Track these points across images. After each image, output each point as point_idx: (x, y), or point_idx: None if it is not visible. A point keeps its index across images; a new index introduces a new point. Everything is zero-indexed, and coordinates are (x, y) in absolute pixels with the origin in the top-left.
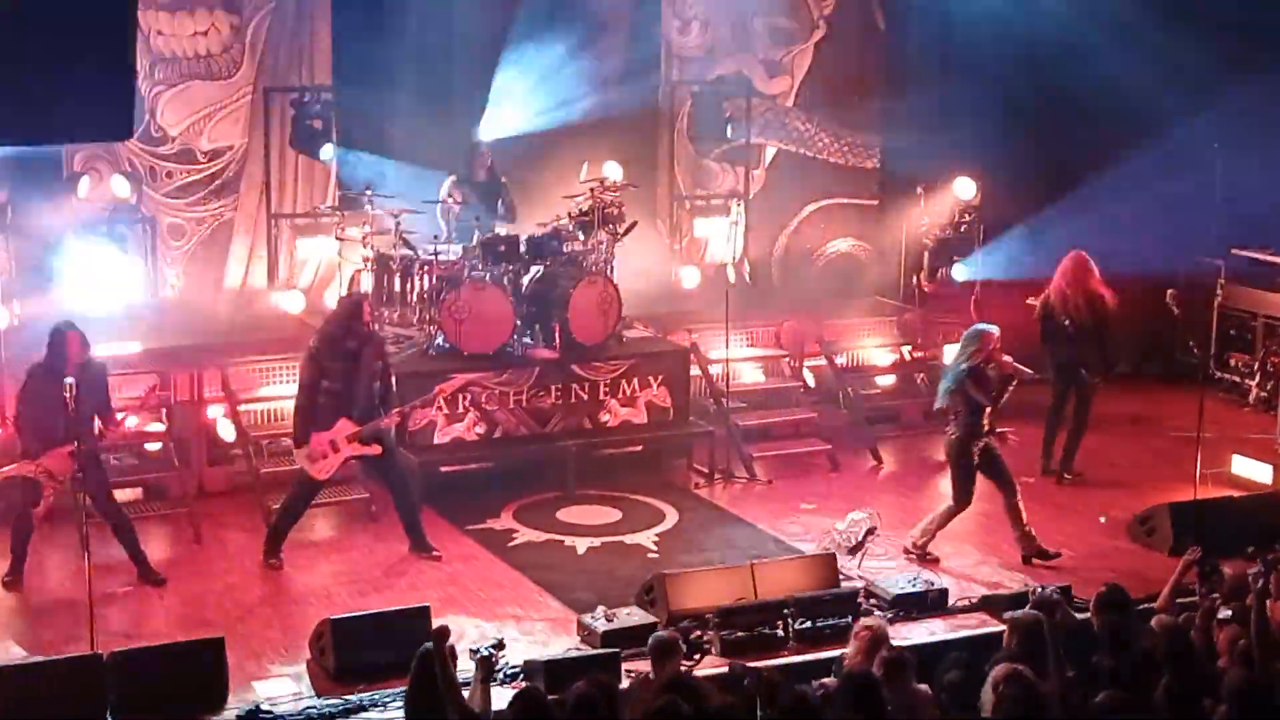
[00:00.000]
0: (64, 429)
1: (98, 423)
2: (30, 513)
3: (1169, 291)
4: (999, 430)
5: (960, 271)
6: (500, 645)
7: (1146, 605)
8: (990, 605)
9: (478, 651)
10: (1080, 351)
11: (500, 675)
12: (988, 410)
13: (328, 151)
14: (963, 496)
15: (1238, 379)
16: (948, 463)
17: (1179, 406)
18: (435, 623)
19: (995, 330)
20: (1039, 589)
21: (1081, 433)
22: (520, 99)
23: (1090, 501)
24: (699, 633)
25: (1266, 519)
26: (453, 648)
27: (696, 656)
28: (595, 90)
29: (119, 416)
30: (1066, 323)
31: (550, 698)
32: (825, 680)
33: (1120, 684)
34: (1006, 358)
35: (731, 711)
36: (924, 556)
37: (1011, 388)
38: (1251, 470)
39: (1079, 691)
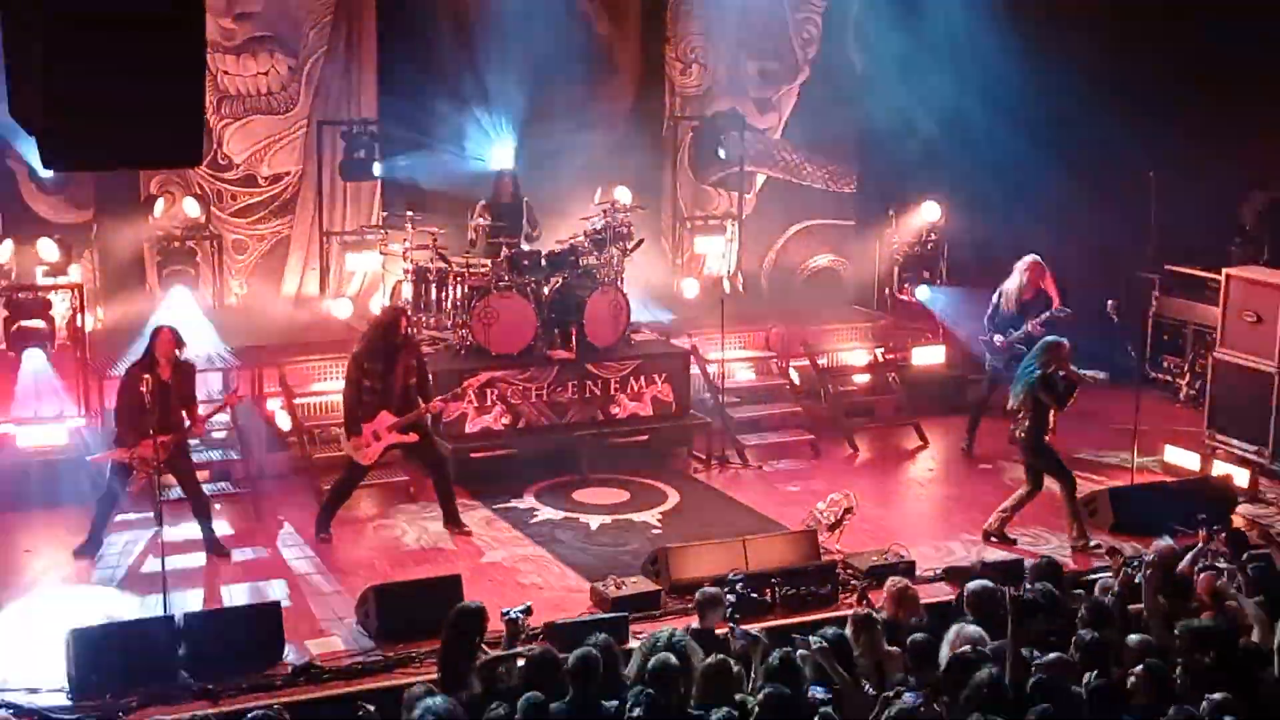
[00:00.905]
0: (154, 421)
1: (187, 416)
2: (115, 493)
3: (1109, 302)
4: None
5: (922, 293)
6: (529, 611)
7: (1090, 576)
8: (951, 576)
9: (507, 614)
10: (1007, 329)
11: (523, 636)
12: (1053, 412)
13: (377, 169)
14: (1062, 475)
15: (1170, 379)
16: (1023, 457)
17: (1118, 403)
18: (473, 604)
19: (1065, 342)
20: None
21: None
22: (542, 132)
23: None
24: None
25: (1194, 500)
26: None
27: (737, 616)
28: (608, 124)
29: (201, 412)
30: (1008, 310)
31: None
32: (810, 639)
33: (1053, 644)
34: (1072, 367)
35: (723, 665)
36: (1002, 538)
37: (1076, 394)
38: (1181, 458)
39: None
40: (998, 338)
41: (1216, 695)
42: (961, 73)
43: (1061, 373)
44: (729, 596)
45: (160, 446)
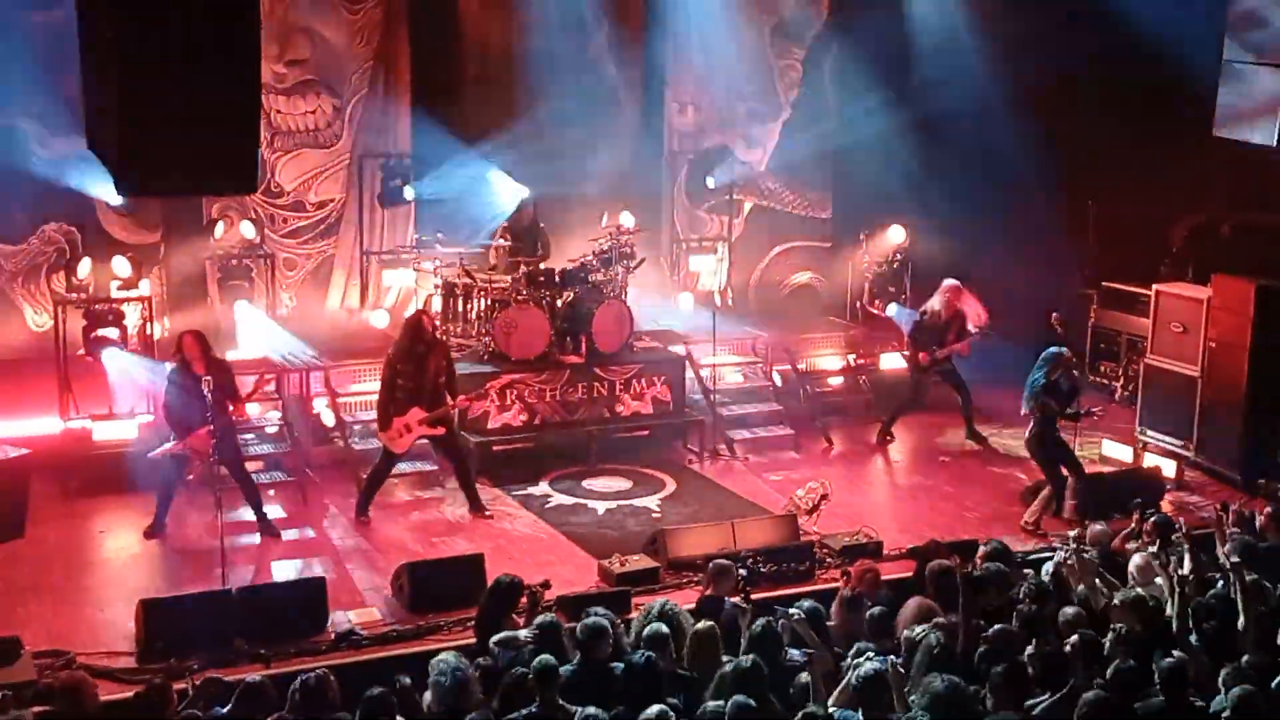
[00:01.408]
0: (200, 414)
1: (231, 408)
2: (174, 480)
3: (1054, 315)
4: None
5: (892, 310)
6: (547, 585)
7: (1036, 555)
8: (914, 555)
9: (529, 588)
10: (927, 346)
11: (541, 607)
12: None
13: (409, 192)
14: (1076, 469)
15: (1107, 382)
16: (1031, 457)
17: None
18: (510, 578)
19: (1066, 351)
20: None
21: (969, 399)
22: (557, 163)
23: (993, 476)
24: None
25: (1128, 489)
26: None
27: (747, 589)
28: (615, 157)
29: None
30: (932, 326)
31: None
32: (789, 610)
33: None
34: (1075, 372)
35: (711, 630)
36: (1036, 529)
37: (1078, 401)
38: (1117, 451)
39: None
40: (922, 355)
41: (1166, 661)
42: (925, 113)
43: (1064, 378)
44: (741, 570)
45: (210, 435)
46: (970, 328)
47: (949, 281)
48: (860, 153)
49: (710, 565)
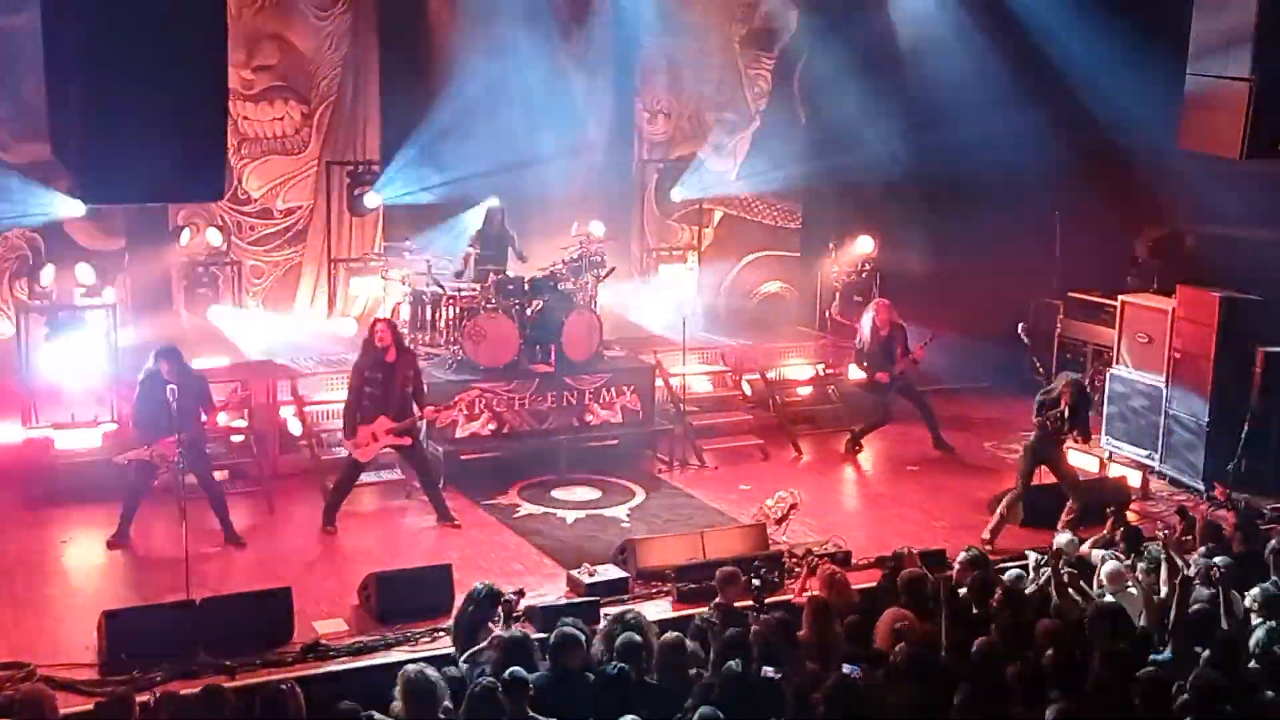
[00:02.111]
0: (169, 423)
1: (203, 417)
2: (139, 489)
3: (1021, 325)
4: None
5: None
6: (521, 593)
7: (1004, 564)
8: (881, 564)
9: (502, 596)
10: (882, 365)
11: (515, 616)
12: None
13: (373, 200)
14: (1020, 485)
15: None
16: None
17: (1028, 413)
18: (484, 585)
19: (1075, 377)
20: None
21: (929, 410)
22: (527, 171)
23: (960, 485)
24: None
25: (1094, 498)
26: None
27: (762, 595)
28: (585, 166)
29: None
30: (873, 346)
31: (541, 635)
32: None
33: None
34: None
35: (678, 641)
36: (991, 542)
37: (1066, 420)
38: (1082, 461)
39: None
40: (880, 375)
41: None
42: (893, 124)
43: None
44: (754, 581)
45: (177, 444)
46: (911, 346)
47: (877, 300)
48: (828, 164)
49: (718, 573)
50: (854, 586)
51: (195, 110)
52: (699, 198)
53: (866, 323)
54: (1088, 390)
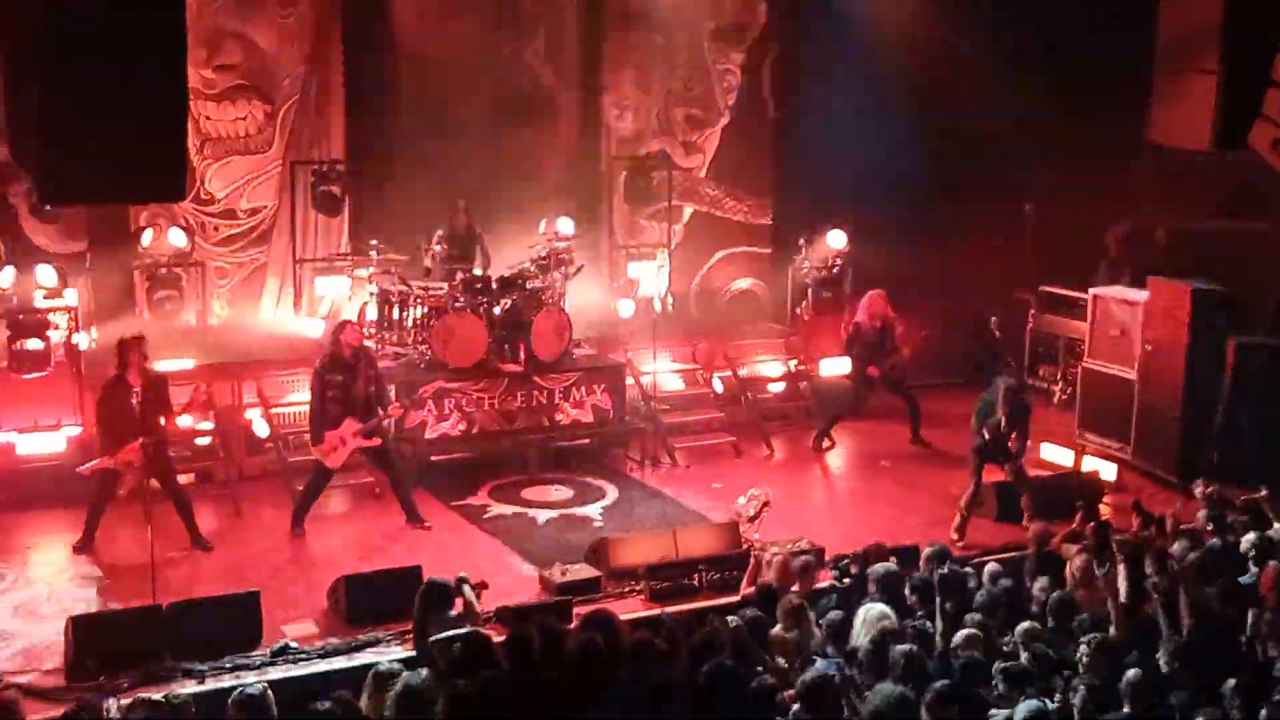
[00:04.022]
0: (133, 428)
1: (163, 420)
2: (104, 495)
3: (992, 319)
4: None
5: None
6: (484, 585)
7: (979, 559)
8: (854, 561)
9: (448, 586)
10: (875, 357)
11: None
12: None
13: (342, 206)
14: (972, 480)
15: (1045, 385)
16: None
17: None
18: (441, 578)
19: (1008, 383)
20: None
21: (916, 406)
22: (493, 169)
23: (934, 480)
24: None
25: (1067, 491)
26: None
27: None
28: (552, 162)
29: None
30: (869, 338)
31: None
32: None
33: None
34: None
35: (648, 646)
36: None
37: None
38: (1056, 455)
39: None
40: (871, 369)
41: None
42: (863, 119)
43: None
44: (844, 580)
45: (140, 449)
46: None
47: (872, 292)
48: (799, 159)
49: (797, 561)
50: (822, 584)
51: (156, 108)
52: (668, 195)
53: (860, 314)
54: (1025, 395)
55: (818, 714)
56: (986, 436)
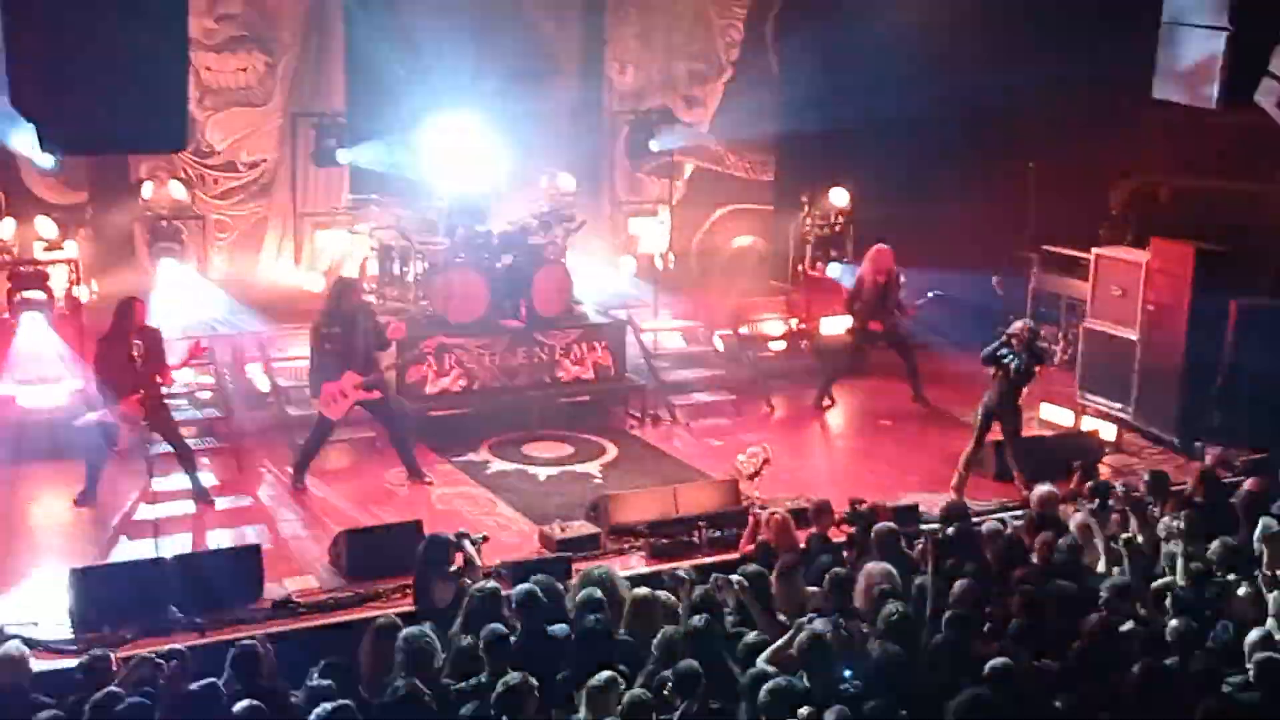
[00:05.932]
0: (131, 382)
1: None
2: (104, 448)
3: (995, 278)
4: None
5: (833, 270)
6: (484, 538)
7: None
8: (855, 519)
9: (459, 540)
10: (877, 313)
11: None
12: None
13: (344, 155)
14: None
15: (1047, 345)
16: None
17: None
18: (442, 533)
19: (1021, 325)
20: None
21: (915, 367)
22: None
23: (934, 439)
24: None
25: (1067, 451)
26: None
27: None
28: (553, 117)
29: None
30: (869, 293)
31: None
32: (731, 577)
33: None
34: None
35: (649, 597)
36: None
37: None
38: (1056, 415)
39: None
40: (873, 324)
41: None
42: (867, 75)
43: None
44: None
45: (140, 403)
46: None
47: (878, 245)
48: (802, 115)
49: (811, 506)
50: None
51: (157, 58)
52: (670, 150)
53: (864, 267)
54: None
55: (811, 669)
56: (1007, 364)
